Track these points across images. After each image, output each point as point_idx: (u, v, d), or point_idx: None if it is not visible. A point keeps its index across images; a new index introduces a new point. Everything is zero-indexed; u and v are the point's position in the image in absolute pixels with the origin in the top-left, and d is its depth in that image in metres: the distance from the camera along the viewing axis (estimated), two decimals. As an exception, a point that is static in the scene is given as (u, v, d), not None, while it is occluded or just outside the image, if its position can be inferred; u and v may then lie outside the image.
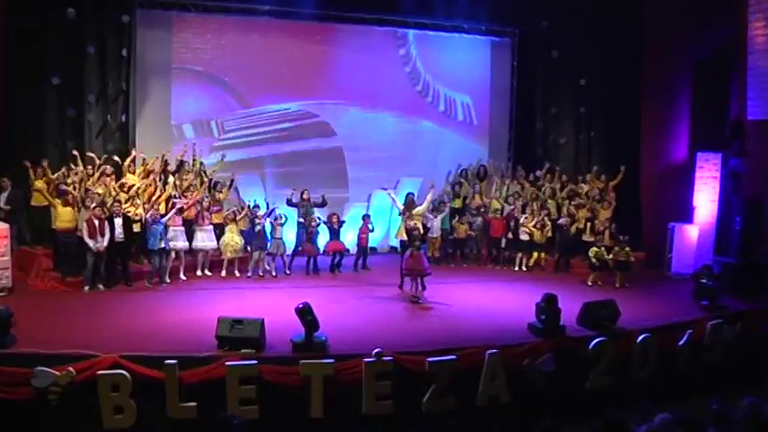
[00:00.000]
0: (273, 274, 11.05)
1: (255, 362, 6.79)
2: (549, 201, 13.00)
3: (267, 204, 11.65)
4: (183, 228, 10.51)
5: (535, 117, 14.57)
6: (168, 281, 10.33)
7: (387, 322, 8.60)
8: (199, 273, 10.86)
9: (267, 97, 13.54)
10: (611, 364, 8.05)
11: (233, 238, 10.94)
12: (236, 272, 10.95)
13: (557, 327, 8.14)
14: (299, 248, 11.62)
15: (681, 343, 8.53)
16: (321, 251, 11.59)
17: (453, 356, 7.30)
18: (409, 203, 10.98)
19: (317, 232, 11.50)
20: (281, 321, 7.70)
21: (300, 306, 7.04)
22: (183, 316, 8.48)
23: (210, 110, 13.13)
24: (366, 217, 12.22)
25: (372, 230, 12.21)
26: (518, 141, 14.91)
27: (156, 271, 10.25)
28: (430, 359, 7.18)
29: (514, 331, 8.23)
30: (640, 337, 8.27)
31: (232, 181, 11.98)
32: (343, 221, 12.00)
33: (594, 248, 11.25)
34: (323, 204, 12.04)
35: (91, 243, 9.52)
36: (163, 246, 10.07)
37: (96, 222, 9.57)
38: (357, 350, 7.25)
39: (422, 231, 10.32)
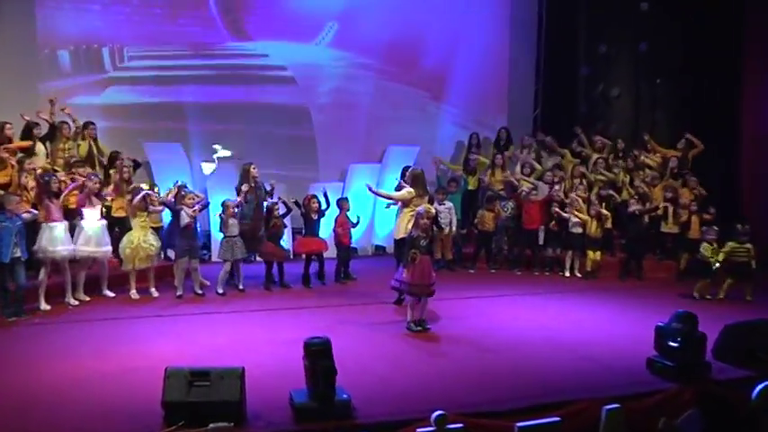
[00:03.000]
0: (220, 291, 9.92)
1: (237, 445, 5.43)
2: (598, 176, 12.59)
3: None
4: (65, 224, 9.11)
5: (576, 60, 14.45)
6: (47, 308, 8.86)
7: (425, 364, 7.38)
8: (74, 300, 9.26)
9: (192, 21, 12.70)
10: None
11: (144, 237, 9.60)
12: (153, 290, 9.83)
13: (701, 364, 7.06)
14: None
15: None
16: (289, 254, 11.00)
17: (555, 418, 6.17)
18: (416, 178, 9.54)
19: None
20: (257, 368, 6.46)
21: (314, 342, 5.67)
22: (90, 368, 6.88)
23: (104, 30, 12.18)
24: (343, 201, 11.13)
25: (356, 224, 11.19)
26: (549, 95, 14.65)
27: (18, 295, 8.58)
28: (520, 423, 6.02)
29: (624, 372, 7.23)
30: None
31: (137, 164, 11.04)
32: (325, 209, 10.82)
33: (706, 244, 10.38)
34: (270, 193, 10.95)
35: None
36: (18, 255, 8.43)
37: None
38: (401, 413, 6.02)
39: (431, 222, 9.09)
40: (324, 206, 10.66)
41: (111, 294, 9.60)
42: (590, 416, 6.31)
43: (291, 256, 11.11)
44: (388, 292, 9.72)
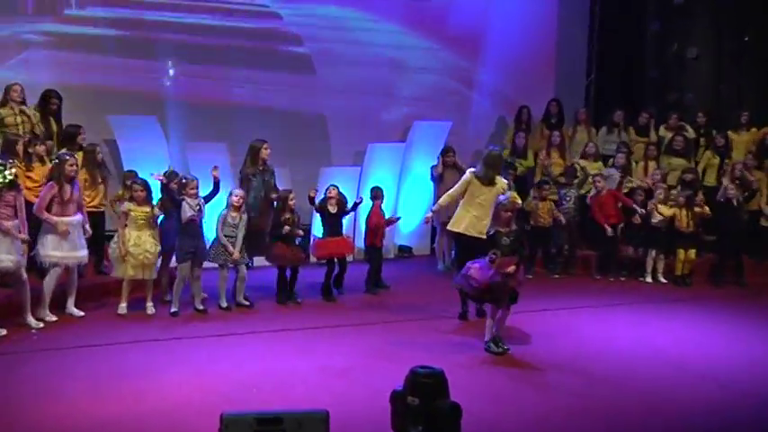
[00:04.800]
0: (224, 304, 9.57)
1: None
2: (678, 160, 12.38)
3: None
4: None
5: (644, 12, 14.31)
6: (3, 332, 8.21)
7: (524, 398, 7.01)
8: (36, 321, 8.69)
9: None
10: None
11: (144, 239, 9.15)
12: (149, 305, 9.28)
13: None
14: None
15: None
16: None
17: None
18: (486, 161, 9.17)
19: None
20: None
21: (425, 372, 4.98)
22: (86, 412, 6.23)
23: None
24: (378, 192, 10.94)
25: (397, 219, 11.26)
26: (608, 58, 14.59)
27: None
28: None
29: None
30: None
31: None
32: (360, 200, 10.81)
33: None
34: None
35: None
36: None
37: None
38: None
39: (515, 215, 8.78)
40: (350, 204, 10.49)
41: (80, 313, 9.04)
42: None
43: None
44: (438, 302, 9.72)
